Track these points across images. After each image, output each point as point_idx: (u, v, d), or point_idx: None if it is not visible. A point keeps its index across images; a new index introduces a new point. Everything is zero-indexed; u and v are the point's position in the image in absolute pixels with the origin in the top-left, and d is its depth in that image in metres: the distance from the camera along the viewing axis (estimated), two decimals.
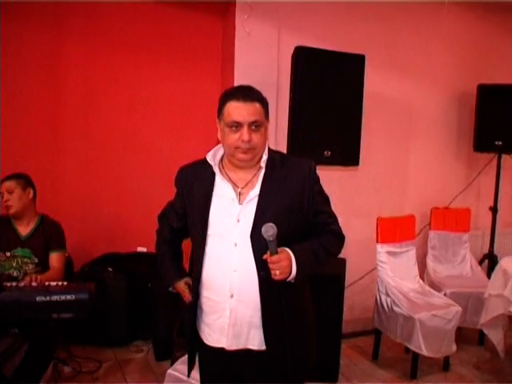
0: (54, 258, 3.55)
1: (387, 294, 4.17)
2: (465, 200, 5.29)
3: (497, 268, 3.95)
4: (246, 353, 2.16)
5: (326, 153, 3.89)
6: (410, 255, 4.51)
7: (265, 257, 2.01)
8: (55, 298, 2.94)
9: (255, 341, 2.15)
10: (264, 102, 2.14)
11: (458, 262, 5.00)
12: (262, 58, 4.33)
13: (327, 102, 3.88)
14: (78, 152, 4.47)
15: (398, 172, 5.14)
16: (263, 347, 2.14)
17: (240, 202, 2.13)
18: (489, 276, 4.86)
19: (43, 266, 3.52)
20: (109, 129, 4.54)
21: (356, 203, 4.88)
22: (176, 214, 2.37)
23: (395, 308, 4.05)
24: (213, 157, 2.23)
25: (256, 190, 2.13)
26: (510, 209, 5.55)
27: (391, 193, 5.10)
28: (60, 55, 4.34)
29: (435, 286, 4.56)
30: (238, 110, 2.07)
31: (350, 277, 4.36)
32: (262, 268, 2.05)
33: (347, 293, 4.08)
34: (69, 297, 2.96)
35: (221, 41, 4.65)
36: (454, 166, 5.36)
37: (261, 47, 4.32)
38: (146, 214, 4.10)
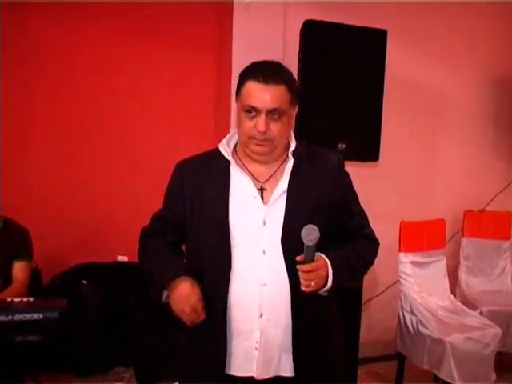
0: (18, 269, 3.50)
1: (412, 312, 4.11)
2: (504, 202, 5.20)
3: None
4: (276, 380, 2.11)
5: (339, 145, 3.82)
6: (439, 266, 4.45)
7: (300, 265, 1.94)
8: (19, 317, 2.88)
9: (287, 366, 2.10)
10: (292, 85, 2.07)
11: (497, 275, 4.94)
12: (265, 34, 4.27)
13: (342, 85, 3.82)
14: (50, 148, 4.46)
15: (425, 169, 5.09)
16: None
17: (264, 200, 2.07)
18: None
19: (5, 278, 3.47)
20: (85, 124, 4.52)
21: (375, 204, 4.76)
22: (170, 224, 2.23)
23: (422, 329, 4.00)
24: (227, 145, 2.16)
25: (283, 186, 2.08)
26: None
27: (416, 193, 5.03)
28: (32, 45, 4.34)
29: (469, 303, 4.50)
30: (256, 93, 2.00)
31: (367, 291, 4.31)
32: (297, 279, 1.99)
33: (365, 310, 4.03)
34: (35, 316, 2.90)
35: (216, 16, 4.60)
36: (492, 162, 5.29)
37: (264, 22, 4.26)
38: (127, 219, 4.08)
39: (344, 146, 3.83)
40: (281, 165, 2.13)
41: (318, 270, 1.96)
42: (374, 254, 2.26)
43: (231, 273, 2.04)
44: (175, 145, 4.40)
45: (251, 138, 2.04)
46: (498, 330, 3.93)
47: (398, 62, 4.37)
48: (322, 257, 2.00)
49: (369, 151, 3.94)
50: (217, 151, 2.16)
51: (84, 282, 4.23)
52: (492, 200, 5.17)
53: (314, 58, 3.76)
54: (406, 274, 4.24)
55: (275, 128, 2.02)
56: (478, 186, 5.22)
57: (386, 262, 4.44)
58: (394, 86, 4.23)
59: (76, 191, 4.50)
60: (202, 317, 2.03)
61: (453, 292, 4.59)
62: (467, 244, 4.93)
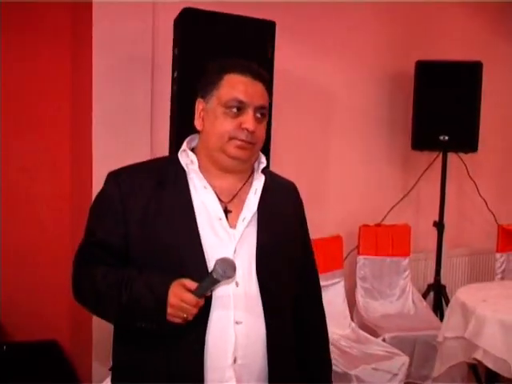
0: None
1: None
2: (401, 213, 5.38)
3: (452, 302, 4.03)
4: None
5: None
6: (337, 289, 4.54)
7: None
8: None
9: None
10: (270, 89, 2.10)
11: (397, 297, 5.09)
12: (130, 25, 4.18)
13: None
14: None
15: (315, 178, 5.15)
16: None
17: (229, 223, 2.00)
18: (435, 312, 5.00)
19: None
20: None
21: None
22: (109, 249, 2.01)
23: None
24: (187, 154, 2.07)
25: (252, 207, 2.04)
26: (457, 224, 5.72)
27: (307, 206, 5.01)
28: None
29: (369, 330, 4.59)
30: (243, 86, 1.98)
31: None
32: (273, 316, 1.99)
33: None
34: None
35: (73, 6, 4.48)
36: (387, 169, 5.45)
37: (128, 10, 4.17)
38: None
39: None
40: (246, 181, 2.09)
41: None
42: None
43: (210, 311, 1.94)
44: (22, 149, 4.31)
45: (232, 139, 1.96)
46: (405, 358, 4.04)
47: (282, 58, 4.39)
48: None
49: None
50: (169, 160, 2.11)
51: None
52: (389, 212, 5.33)
53: (192, 53, 3.68)
54: None
55: (259, 130, 2.00)
56: (372, 198, 5.37)
57: None
58: (280, 85, 4.24)
59: None
60: (201, 302, 1.85)
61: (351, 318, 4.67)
62: (364, 263, 5.04)
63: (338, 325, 4.40)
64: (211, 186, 2.03)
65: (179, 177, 2.04)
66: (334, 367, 3.80)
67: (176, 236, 1.95)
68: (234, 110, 1.97)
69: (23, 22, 4.42)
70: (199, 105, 2.08)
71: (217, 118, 2.00)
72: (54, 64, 4.48)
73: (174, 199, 2.00)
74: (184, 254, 1.93)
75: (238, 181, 2.08)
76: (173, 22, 3.78)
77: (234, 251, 1.97)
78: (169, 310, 1.82)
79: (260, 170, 2.11)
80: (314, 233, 4.42)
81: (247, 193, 2.07)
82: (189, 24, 3.68)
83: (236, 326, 1.94)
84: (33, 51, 4.45)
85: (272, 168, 3.92)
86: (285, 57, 4.25)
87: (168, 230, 1.96)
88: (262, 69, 2.07)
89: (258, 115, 1.99)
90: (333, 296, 4.47)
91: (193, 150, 2.12)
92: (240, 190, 2.07)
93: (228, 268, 1.80)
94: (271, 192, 2.10)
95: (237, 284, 1.95)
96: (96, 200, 2.10)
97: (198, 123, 2.08)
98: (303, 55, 4.87)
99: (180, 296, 1.81)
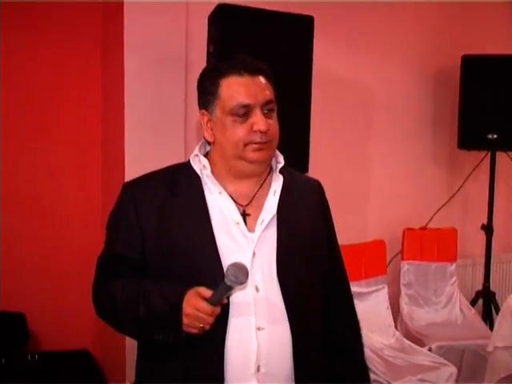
0: None
1: None
2: (447, 216, 5.34)
3: (503, 310, 4.00)
4: None
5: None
6: (380, 296, 4.51)
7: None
8: None
9: None
10: (272, 79, 2.07)
11: (443, 304, 5.04)
12: (163, 23, 4.21)
13: None
14: None
15: (356, 180, 5.15)
16: None
17: (248, 227, 2.02)
18: (485, 320, 4.95)
19: None
20: None
21: None
22: (126, 262, 2.07)
23: None
24: (199, 159, 2.09)
25: (271, 209, 2.06)
26: (507, 227, 5.65)
27: (348, 210, 5.01)
28: None
29: (414, 339, 4.56)
30: (243, 88, 1.98)
31: None
32: (297, 319, 1.99)
33: None
34: None
35: (103, 6, 4.55)
36: (432, 169, 5.41)
37: (161, 8, 4.20)
38: None
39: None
40: (263, 183, 2.11)
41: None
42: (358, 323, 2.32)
43: (229, 318, 1.95)
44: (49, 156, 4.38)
45: (248, 144, 1.98)
46: (453, 369, 4.02)
47: (324, 55, 4.39)
48: None
49: (297, 161, 3.90)
50: (183, 165, 2.12)
51: None
52: (434, 215, 5.29)
53: (228, 50, 3.69)
54: None
55: (271, 126, 2.00)
56: (417, 200, 5.33)
57: None
58: (319, 83, 4.24)
59: None
60: (217, 310, 1.87)
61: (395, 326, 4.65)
62: (408, 269, 5.00)
63: (382, 333, 4.39)
64: (227, 191, 2.05)
65: (193, 182, 2.07)
66: (377, 377, 3.92)
67: (191, 241, 1.99)
68: (242, 116, 1.97)
69: (55, 21, 4.49)
70: (204, 117, 2.08)
71: (226, 129, 2.00)
72: (85, 65, 4.56)
73: (188, 204, 2.04)
74: (200, 259, 1.97)
75: (254, 184, 2.10)
76: (207, 20, 3.80)
77: (253, 255, 1.99)
78: (184, 320, 1.86)
79: (278, 170, 2.11)
80: (356, 237, 4.51)
81: (266, 194, 2.08)
82: (224, 20, 3.71)
83: (258, 332, 1.95)
84: (62, 51, 4.52)
85: (311, 170, 3.98)
86: (323, 53, 4.25)
87: (183, 235, 2.00)
88: (259, 62, 2.05)
89: (266, 111, 1.99)
90: (376, 303, 4.46)
91: (207, 153, 2.14)
92: (257, 192, 2.09)
93: (240, 273, 1.81)
94: (292, 192, 2.11)
95: (257, 288, 1.98)
96: (112, 212, 2.16)
97: (207, 135, 2.08)
98: (342, 51, 4.87)
99: (195, 305, 1.84)
